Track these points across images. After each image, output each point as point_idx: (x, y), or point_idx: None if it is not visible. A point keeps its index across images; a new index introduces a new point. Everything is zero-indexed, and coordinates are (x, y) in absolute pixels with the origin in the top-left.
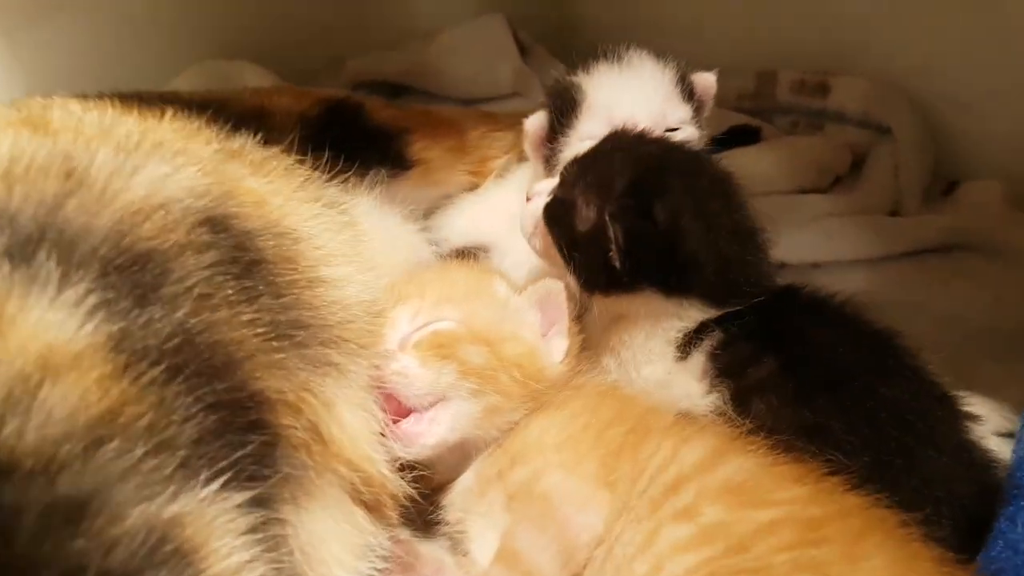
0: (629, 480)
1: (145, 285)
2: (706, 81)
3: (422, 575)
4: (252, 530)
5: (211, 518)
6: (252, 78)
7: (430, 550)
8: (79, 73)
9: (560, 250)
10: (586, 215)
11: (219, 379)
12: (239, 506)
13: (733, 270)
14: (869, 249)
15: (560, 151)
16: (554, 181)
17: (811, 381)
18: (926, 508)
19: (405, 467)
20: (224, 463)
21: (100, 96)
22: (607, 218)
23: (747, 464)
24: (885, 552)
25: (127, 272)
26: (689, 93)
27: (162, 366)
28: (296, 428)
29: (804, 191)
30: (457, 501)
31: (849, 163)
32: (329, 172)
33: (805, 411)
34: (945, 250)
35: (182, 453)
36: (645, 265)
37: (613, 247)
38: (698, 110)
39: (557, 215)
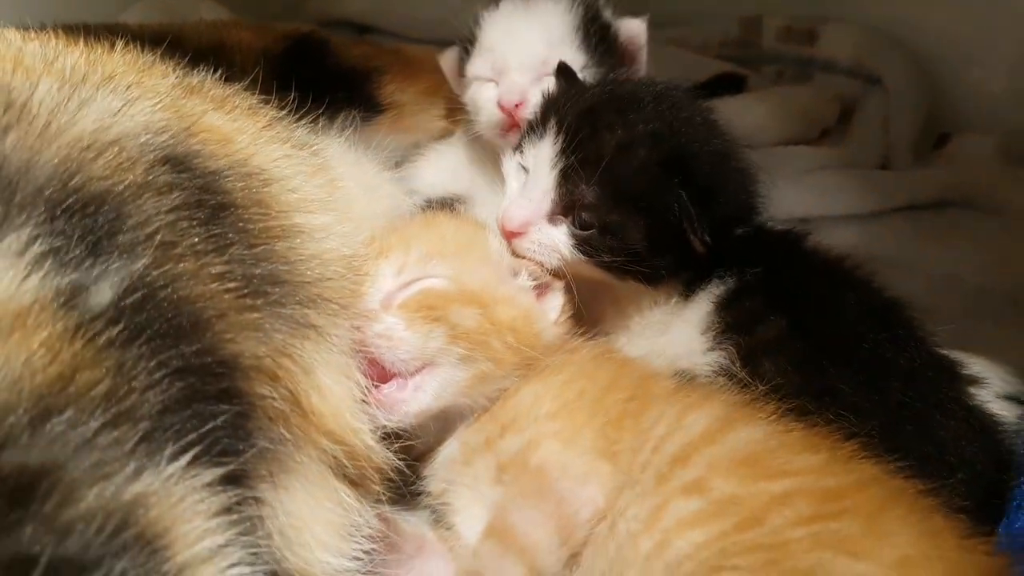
0: (631, 451)
1: (98, 231)
2: (633, 29)
3: (404, 553)
4: (225, 511)
5: (178, 498)
6: (206, 14)
7: (411, 526)
8: (20, 2)
9: (610, 270)
10: (635, 233)
11: (186, 341)
12: (210, 484)
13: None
14: (861, 204)
15: (464, 90)
16: (534, 203)
17: (821, 344)
18: (940, 474)
19: (391, 436)
20: (193, 436)
21: (42, 28)
22: (692, 235)
23: (757, 432)
24: (909, 526)
25: (78, 216)
26: (602, 39)
27: (120, 325)
28: (273, 398)
29: (792, 143)
30: (440, 471)
31: (838, 114)
32: (296, 113)
33: (815, 374)
34: (939, 206)
35: (144, 425)
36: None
37: (696, 245)
38: (626, 59)
39: (601, 246)
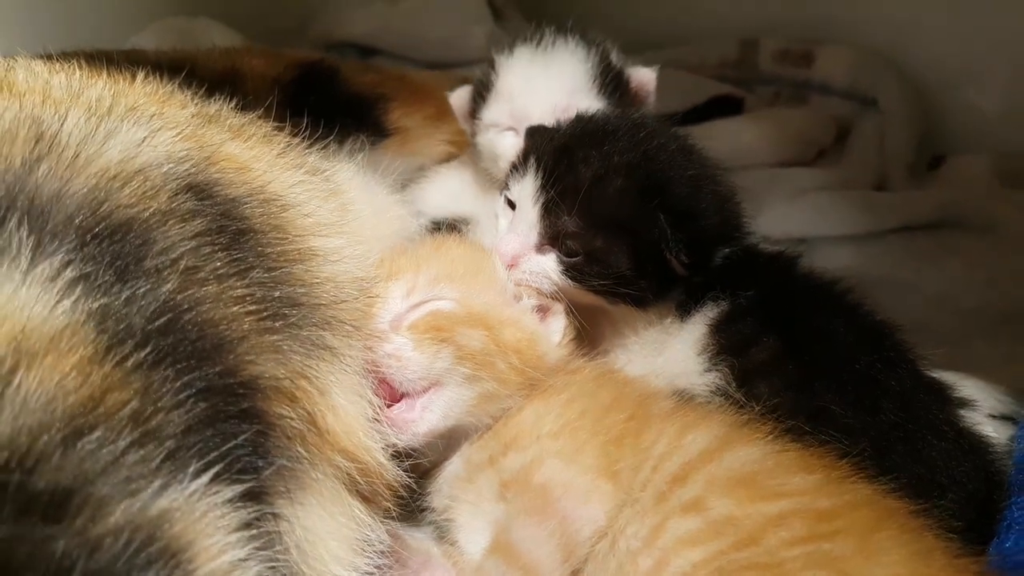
0: (631, 470)
1: (126, 257)
2: (643, 77)
3: (410, 568)
4: (245, 526)
5: (201, 514)
6: (216, 37)
7: (417, 541)
8: (35, 27)
9: (600, 293)
10: (619, 257)
11: (209, 363)
12: (231, 500)
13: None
14: (857, 225)
15: (475, 133)
16: (522, 236)
17: (813, 365)
18: (931, 495)
19: (400, 454)
20: (215, 454)
21: (65, 56)
22: (668, 254)
23: (754, 453)
24: (901, 546)
25: (106, 243)
26: (616, 86)
27: (148, 348)
28: (291, 417)
29: (788, 164)
30: (444, 488)
31: (834, 136)
32: (308, 139)
33: (807, 395)
34: (934, 227)
35: (169, 444)
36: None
37: (676, 266)
38: (635, 102)
39: (588, 271)
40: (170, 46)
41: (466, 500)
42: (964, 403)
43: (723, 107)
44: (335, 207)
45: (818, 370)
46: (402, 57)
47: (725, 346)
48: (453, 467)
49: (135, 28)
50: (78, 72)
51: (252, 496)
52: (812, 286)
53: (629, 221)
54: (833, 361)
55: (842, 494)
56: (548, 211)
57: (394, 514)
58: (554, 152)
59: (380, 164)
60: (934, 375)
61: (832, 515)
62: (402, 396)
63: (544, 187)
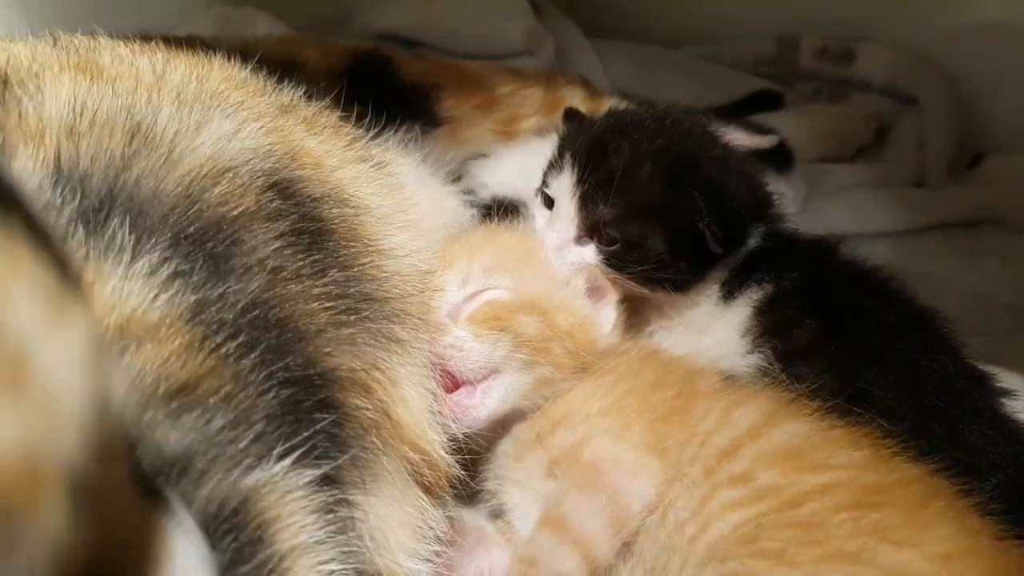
0: (679, 446)
1: (217, 256)
2: None
3: (466, 545)
4: (323, 510)
5: (283, 493)
6: (263, 26)
7: (470, 518)
8: (82, 18)
9: (640, 280)
10: (655, 240)
11: (292, 355)
12: (310, 483)
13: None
14: (894, 222)
15: None
16: (561, 230)
17: (854, 347)
18: (971, 478)
19: (459, 448)
20: (296, 439)
21: (140, 37)
22: (701, 225)
23: (802, 428)
24: (948, 523)
25: (199, 241)
26: None
27: (238, 340)
28: (367, 408)
29: (827, 161)
30: (494, 468)
31: (874, 133)
32: (368, 130)
33: (848, 377)
34: (971, 225)
35: (257, 427)
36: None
37: (711, 242)
38: None
39: (627, 258)
40: (214, 35)
41: (515, 479)
42: (1006, 392)
43: (762, 102)
44: (398, 202)
45: (859, 352)
46: (441, 50)
47: (768, 328)
48: (502, 447)
49: (186, 18)
50: (159, 54)
51: (330, 481)
52: (854, 271)
53: (662, 204)
54: (874, 343)
55: (890, 471)
56: (585, 202)
57: (449, 500)
58: (588, 146)
59: (431, 153)
60: (976, 364)
61: (880, 489)
62: (460, 385)
63: (581, 180)
